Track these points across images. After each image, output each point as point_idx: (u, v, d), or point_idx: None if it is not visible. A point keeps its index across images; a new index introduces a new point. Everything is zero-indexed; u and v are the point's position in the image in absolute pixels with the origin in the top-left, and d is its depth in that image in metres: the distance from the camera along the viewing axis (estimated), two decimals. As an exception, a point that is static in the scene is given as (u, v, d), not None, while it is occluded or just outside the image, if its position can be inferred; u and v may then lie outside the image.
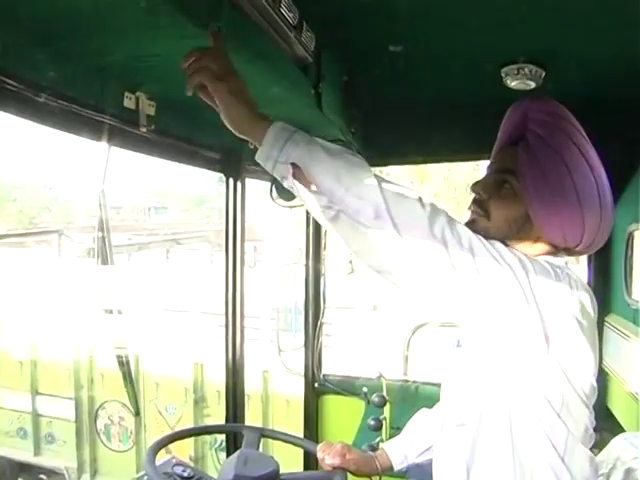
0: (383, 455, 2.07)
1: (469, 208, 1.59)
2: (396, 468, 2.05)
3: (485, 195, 1.54)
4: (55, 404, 7.38)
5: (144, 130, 1.83)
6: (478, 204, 1.56)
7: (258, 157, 1.39)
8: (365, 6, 1.83)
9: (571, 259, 1.60)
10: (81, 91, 1.61)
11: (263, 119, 1.38)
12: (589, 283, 2.87)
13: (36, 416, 7.46)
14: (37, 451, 7.50)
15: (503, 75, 2.29)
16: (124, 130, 1.80)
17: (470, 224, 1.53)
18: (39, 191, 39.95)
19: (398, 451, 2.07)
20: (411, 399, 3.22)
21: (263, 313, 7.80)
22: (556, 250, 1.52)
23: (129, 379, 2.91)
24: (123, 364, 3.01)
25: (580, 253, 1.57)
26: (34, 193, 38.93)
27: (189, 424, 6.53)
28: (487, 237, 1.40)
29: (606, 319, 2.91)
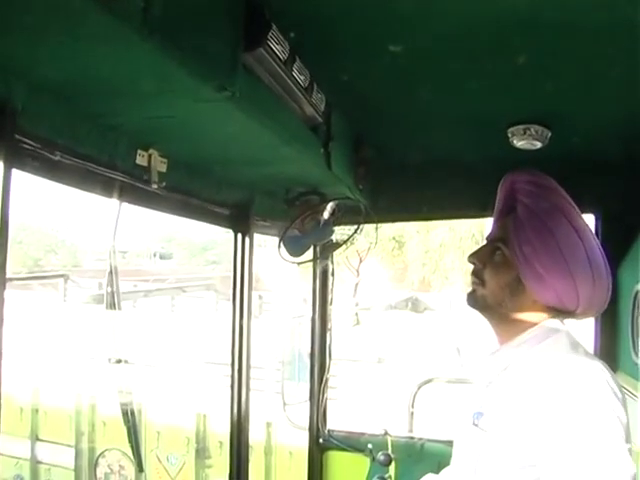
0: None
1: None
2: None
3: (480, 264, 1.63)
4: (55, 451, 7.28)
5: (155, 187, 1.84)
6: (475, 274, 1.65)
7: None
8: (374, 69, 1.87)
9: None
10: (95, 149, 1.64)
11: None
12: (595, 343, 2.86)
13: (35, 463, 7.36)
14: (35, 499, 7.39)
15: (510, 135, 2.32)
16: (135, 187, 1.81)
17: (470, 295, 1.64)
18: (45, 234, 40.07)
19: None
20: (417, 456, 3.19)
21: (268, 363, 7.76)
22: (557, 314, 1.56)
23: (132, 430, 2.88)
24: (127, 414, 2.98)
25: (584, 315, 1.59)
26: (40, 235, 39.04)
27: (190, 475, 6.44)
28: (485, 304, 1.58)
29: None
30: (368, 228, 2.74)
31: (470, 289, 1.66)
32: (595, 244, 1.52)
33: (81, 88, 1.38)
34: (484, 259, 1.63)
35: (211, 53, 1.30)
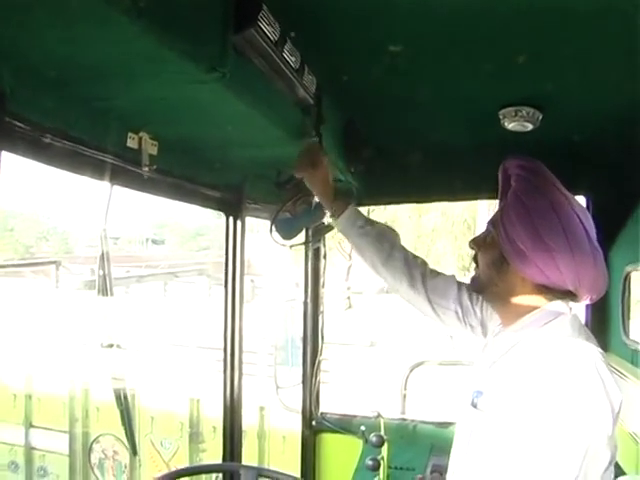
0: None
1: None
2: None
3: (475, 248, 1.74)
4: (49, 437, 7.28)
5: (146, 169, 1.84)
6: (473, 258, 1.75)
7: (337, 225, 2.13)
8: (365, 51, 1.86)
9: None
10: (85, 132, 1.63)
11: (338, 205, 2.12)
12: (586, 323, 2.87)
13: (29, 449, 7.35)
14: (29, 485, 7.40)
15: (501, 117, 2.32)
16: (127, 169, 1.81)
17: (471, 279, 1.76)
18: (37, 221, 39.95)
19: None
20: (409, 438, 3.20)
21: (260, 348, 7.77)
22: (554, 295, 1.60)
23: (126, 415, 2.89)
24: (120, 400, 2.98)
25: (583, 297, 1.61)
26: (32, 223, 38.93)
27: (184, 459, 6.46)
28: (480, 285, 1.71)
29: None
30: (360, 209, 2.74)
31: (473, 274, 1.76)
32: (576, 221, 1.56)
33: (70, 70, 1.37)
34: (479, 243, 1.72)
35: (201, 34, 1.29)
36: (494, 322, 1.81)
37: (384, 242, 2.08)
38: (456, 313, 1.96)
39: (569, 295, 1.60)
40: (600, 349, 1.52)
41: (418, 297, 2.03)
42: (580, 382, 1.40)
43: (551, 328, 1.57)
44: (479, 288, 1.74)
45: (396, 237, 2.13)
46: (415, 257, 2.08)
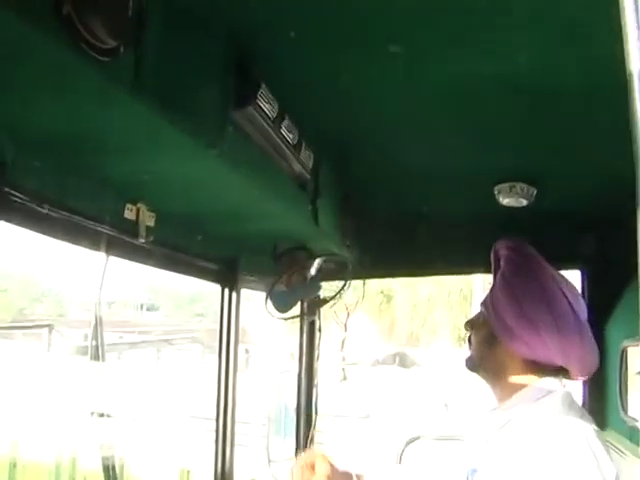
0: None
1: None
2: None
3: (469, 330, 1.80)
4: (33, 508, 7.11)
5: (143, 241, 1.84)
6: (468, 338, 1.81)
7: None
8: (362, 126, 1.90)
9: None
10: (83, 203, 1.63)
11: None
12: (584, 400, 2.84)
13: (12, 520, 7.17)
14: None
15: (496, 192, 2.34)
16: (123, 240, 1.81)
17: (466, 360, 1.78)
18: (31, 282, 39.79)
19: None
20: None
21: (253, 418, 7.65)
22: (546, 372, 1.62)
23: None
24: (108, 469, 2.93)
25: (575, 374, 1.62)
26: (26, 284, 38.76)
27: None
28: (473, 364, 1.74)
29: (602, 437, 2.86)
30: (356, 283, 2.74)
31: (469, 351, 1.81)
32: (561, 297, 1.62)
33: (70, 143, 1.39)
34: (472, 324, 1.79)
35: (201, 111, 1.32)
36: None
37: None
38: None
39: (561, 372, 1.63)
40: (594, 425, 1.52)
41: None
42: (572, 459, 1.39)
43: (543, 405, 1.58)
44: (472, 367, 1.77)
45: None
46: None
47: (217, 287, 2.60)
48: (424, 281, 23.47)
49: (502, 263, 1.74)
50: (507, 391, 1.66)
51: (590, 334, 1.63)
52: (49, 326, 19.34)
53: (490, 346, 1.69)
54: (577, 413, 1.56)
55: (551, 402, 1.57)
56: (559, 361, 1.60)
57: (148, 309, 47.10)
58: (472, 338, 1.78)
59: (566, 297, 1.61)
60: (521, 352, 1.62)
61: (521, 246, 1.74)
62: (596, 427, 1.52)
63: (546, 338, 1.57)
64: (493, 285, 1.75)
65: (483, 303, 1.77)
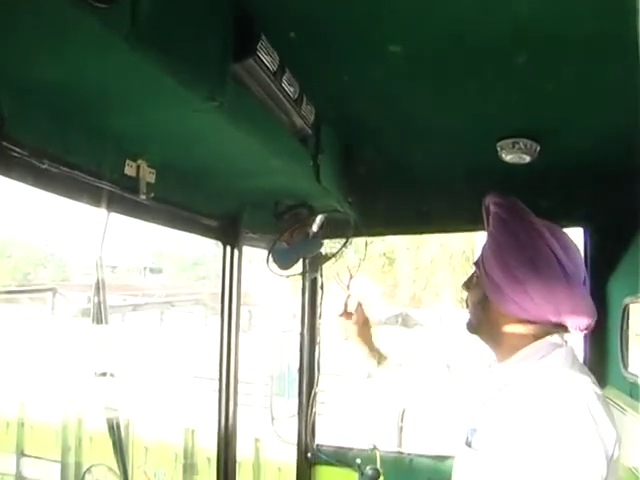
0: None
1: None
2: None
3: (465, 290, 1.79)
4: (40, 466, 7.19)
5: (143, 197, 1.83)
6: (466, 301, 1.81)
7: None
8: (363, 82, 1.87)
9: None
10: (83, 158, 1.63)
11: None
12: (585, 356, 2.85)
13: (20, 479, 7.27)
14: (19, 516, 7.28)
15: (499, 149, 2.32)
16: (124, 197, 1.80)
17: (466, 323, 1.77)
18: (35, 248, 39.94)
19: None
20: (405, 472, 3.16)
21: (256, 378, 7.71)
22: (539, 327, 1.62)
23: (119, 444, 2.85)
24: (113, 429, 2.95)
25: (572, 328, 1.61)
26: (30, 250, 38.91)
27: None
28: (471, 326, 1.74)
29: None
30: (358, 244, 2.74)
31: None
32: (547, 252, 1.59)
33: (69, 96, 1.38)
34: (468, 285, 1.79)
35: (200, 62, 1.30)
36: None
37: None
38: None
39: (559, 327, 1.61)
40: (596, 383, 1.51)
41: None
42: (571, 424, 1.39)
43: (546, 362, 1.57)
44: (471, 329, 1.77)
45: None
46: None
47: (219, 251, 2.60)
48: (426, 243, 23.49)
49: (490, 220, 1.72)
50: (507, 351, 1.65)
51: (583, 287, 1.61)
52: (53, 290, 19.46)
53: (483, 307, 1.68)
54: (578, 373, 1.54)
55: (552, 361, 1.56)
56: (552, 317, 1.58)
57: (152, 272, 47.29)
58: (468, 300, 1.78)
59: (553, 252, 1.59)
60: (511, 311, 1.61)
61: (508, 202, 1.71)
62: (597, 387, 1.51)
63: (534, 296, 1.56)
64: (484, 244, 1.73)
65: (475, 263, 1.76)
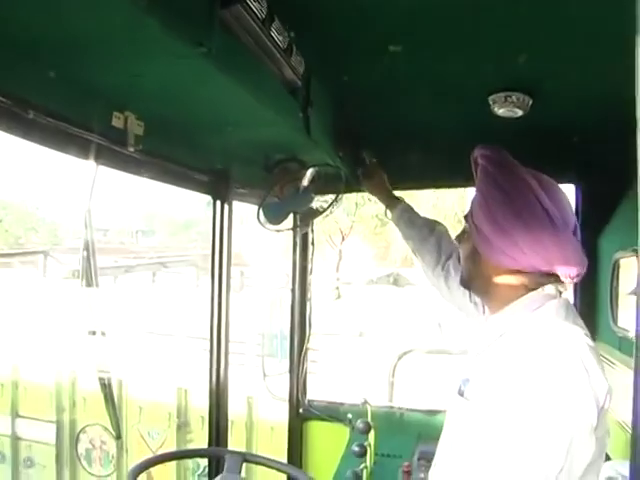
0: None
1: None
2: None
3: (457, 244, 1.81)
4: (35, 427, 7.22)
5: (132, 150, 1.82)
6: (457, 256, 1.87)
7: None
8: (354, 34, 1.85)
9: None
10: (69, 109, 1.61)
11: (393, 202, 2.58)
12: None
13: (15, 439, 7.30)
14: (15, 476, 7.34)
15: (491, 103, 2.30)
16: (112, 149, 1.79)
17: (460, 278, 1.80)
18: (26, 211, 39.78)
19: None
20: (396, 426, 3.20)
21: (249, 338, 7.76)
22: (531, 277, 1.61)
23: (111, 401, 2.88)
24: (105, 386, 2.97)
25: (563, 277, 1.61)
26: (21, 214, 38.78)
27: (172, 449, 6.44)
28: (464, 280, 1.76)
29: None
30: (350, 206, 2.73)
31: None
32: (533, 201, 1.59)
33: (52, 44, 1.36)
34: (459, 239, 1.78)
35: (186, 7, 1.28)
36: None
37: (424, 228, 2.41)
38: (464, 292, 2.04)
39: (552, 277, 1.60)
40: (589, 335, 1.52)
41: (439, 280, 2.28)
42: (563, 373, 1.39)
43: (540, 313, 1.57)
44: (464, 283, 1.78)
45: (437, 225, 2.46)
46: (450, 242, 2.33)
47: (211, 213, 2.60)
48: (419, 205, 23.45)
49: (478, 173, 1.72)
50: (500, 303, 1.65)
51: (572, 236, 1.61)
52: (44, 252, 19.45)
53: (474, 260, 1.68)
54: (571, 324, 1.55)
55: (546, 313, 1.56)
56: (542, 266, 1.58)
57: (144, 235, 47.28)
58: (460, 254, 1.79)
59: (541, 202, 1.58)
60: (504, 263, 1.61)
61: (494, 154, 1.70)
62: (590, 339, 1.51)
63: (523, 246, 1.56)
64: (473, 197, 1.73)
65: (465, 217, 1.75)
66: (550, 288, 1.61)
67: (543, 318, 1.55)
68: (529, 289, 1.61)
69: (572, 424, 1.36)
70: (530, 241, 1.56)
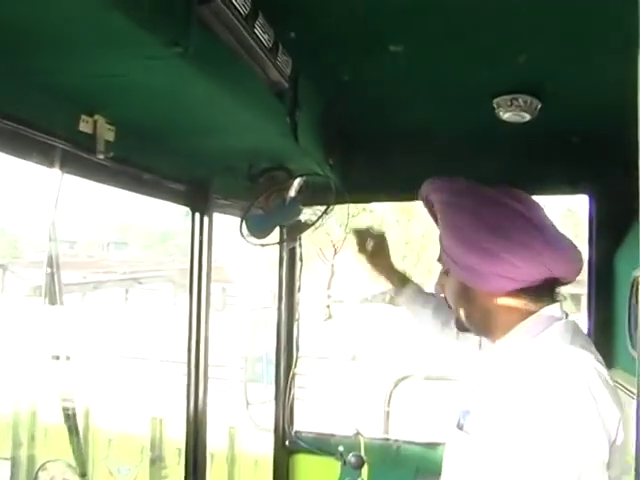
0: None
1: None
2: None
3: (441, 291, 1.84)
4: (-13, 465, 7.15)
5: (101, 157, 1.82)
6: (445, 300, 1.84)
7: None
8: (345, 30, 1.86)
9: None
10: (31, 112, 1.61)
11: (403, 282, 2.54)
12: (589, 334, 2.86)
13: (-38, 481, 7.22)
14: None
15: (495, 106, 2.31)
16: (79, 156, 1.79)
17: (455, 323, 1.81)
18: (-18, 223, 39.65)
19: None
20: (392, 460, 3.19)
21: (231, 362, 7.73)
22: (533, 294, 1.63)
23: (75, 434, 2.85)
24: (70, 417, 2.95)
25: (563, 279, 1.65)
26: (-23, 225, 38.64)
27: (143, 487, 6.39)
28: (461, 323, 1.76)
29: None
30: (342, 217, 2.73)
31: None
32: (507, 211, 1.62)
33: (14, 40, 1.35)
34: (441, 283, 1.81)
35: (160, 2, 1.28)
36: None
37: (440, 311, 2.30)
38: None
39: (552, 285, 1.63)
40: (601, 361, 1.52)
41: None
42: (569, 405, 1.40)
43: (543, 338, 1.57)
44: (461, 326, 1.78)
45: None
46: None
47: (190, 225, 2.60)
48: (418, 216, 23.49)
49: (437, 209, 1.75)
50: (501, 332, 1.66)
51: (557, 232, 1.64)
52: (2, 266, 19.35)
53: (467, 298, 1.69)
54: (578, 348, 1.55)
55: (549, 337, 1.57)
56: (541, 274, 1.59)
57: (115, 248, 47.15)
58: (447, 298, 1.79)
59: (514, 209, 1.62)
60: (500, 287, 1.62)
61: (448, 184, 1.74)
62: (602, 364, 1.51)
63: (515, 261, 1.57)
64: (441, 237, 1.74)
65: (439, 260, 1.78)
66: (554, 309, 1.62)
67: (546, 343, 1.55)
68: (529, 312, 1.62)
69: (579, 458, 1.36)
70: (520, 252, 1.57)
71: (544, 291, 1.62)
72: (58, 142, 1.70)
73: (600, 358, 1.53)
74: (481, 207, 1.64)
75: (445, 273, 1.76)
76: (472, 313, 1.70)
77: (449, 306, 1.80)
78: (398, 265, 2.56)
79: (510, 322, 1.63)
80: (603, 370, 1.49)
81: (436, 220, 1.80)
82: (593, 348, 1.58)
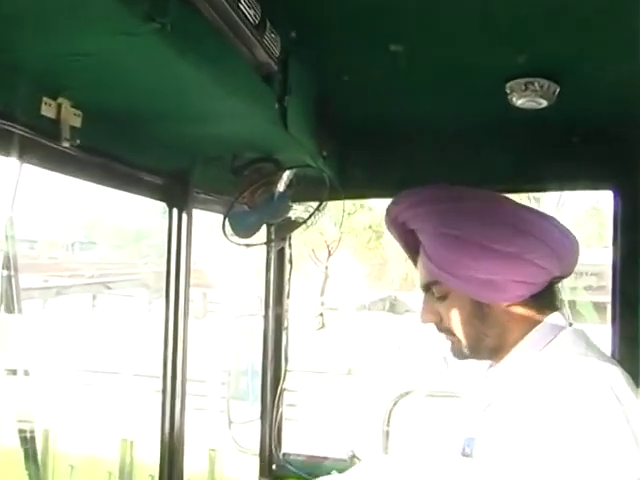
0: None
1: None
2: None
3: (435, 318, 1.80)
4: None
5: (67, 145, 1.82)
6: (440, 330, 1.81)
7: None
8: (343, 5, 1.86)
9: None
10: None
11: None
12: (613, 354, 2.85)
13: None
14: None
15: (508, 91, 2.31)
16: (41, 144, 1.78)
17: (452, 350, 1.80)
18: None
19: None
20: None
21: (212, 376, 7.73)
22: (540, 301, 1.67)
23: (33, 459, 2.84)
24: (27, 440, 2.94)
25: (563, 274, 1.70)
26: None
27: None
28: (472, 352, 1.74)
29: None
30: (337, 214, 2.73)
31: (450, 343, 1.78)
32: (508, 209, 1.67)
33: None
34: (433, 310, 1.77)
35: None
36: None
37: None
38: None
39: (553, 288, 1.68)
40: (624, 373, 1.53)
41: None
42: (601, 422, 1.40)
43: (552, 349, 1.59)
44: (462, 354, 1.76)
45: None
46: None
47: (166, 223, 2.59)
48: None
49: (420, 228, 1.73)
50: (507, 350, 1.68)
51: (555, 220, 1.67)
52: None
53: (481, 316, 1.68)
54: (595, 354, 1.56)
55: (559, 348, 1.59)
56: (555, 265, 1.63)
57: (82, 248, 47.02)
58: (447, 327, 1.75)
59: (505, 205, 1.68)
60: (521, 294, 1.63)
61: (429, 194, 1.76)
62: (625, 375, 1.52)
63: (530, 257, 1.59)
64: (427, 260, 1.71)
65: (426, 285, 1.76)
66: (557, 317, 1.65)
67: (558, 355, 1.57)
68: (536, 322, 1.65)
69: (610, 473, 1.37)
70: (539, 249, 1.60)
71: (547, 295, 1.64)
72: (17, 127, 1.69)
73: (623, 371, 1.54)
74: (482, 208, 1.66)
75: (441, 298, 1.73)
76: (485, 332, 1.69)
77: (447, 335, 1.77)
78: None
79: (518, 336, 1.65)
80: (631, 382, 1.50)
81: (408, 246, 1.83)
82: (610, 357, 1.60)
